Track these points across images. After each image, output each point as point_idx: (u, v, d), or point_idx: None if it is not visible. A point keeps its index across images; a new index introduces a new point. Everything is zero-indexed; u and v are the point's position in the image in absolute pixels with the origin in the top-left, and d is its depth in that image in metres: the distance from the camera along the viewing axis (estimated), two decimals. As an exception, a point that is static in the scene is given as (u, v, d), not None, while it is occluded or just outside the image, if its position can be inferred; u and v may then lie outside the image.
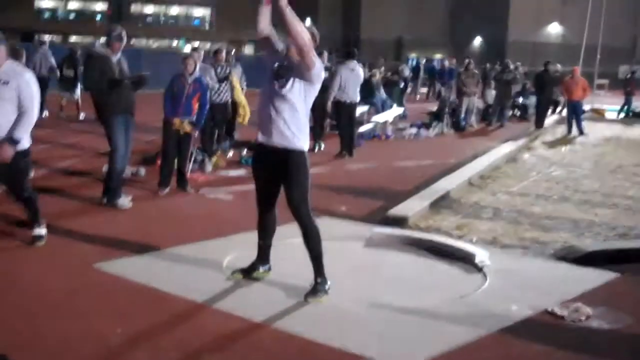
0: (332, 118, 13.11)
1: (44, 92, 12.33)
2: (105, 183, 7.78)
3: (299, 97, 4.85)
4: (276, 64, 4.93)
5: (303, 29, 4.74)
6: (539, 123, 18.65)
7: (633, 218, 8.12)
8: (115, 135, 7.62)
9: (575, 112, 17.75)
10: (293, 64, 4.85)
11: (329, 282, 4.97)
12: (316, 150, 12.14)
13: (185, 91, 8.41)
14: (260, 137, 4.98)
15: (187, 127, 8.43)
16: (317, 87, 4.93)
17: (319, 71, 4.88)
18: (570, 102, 17.79)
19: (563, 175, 11.15)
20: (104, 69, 7.51)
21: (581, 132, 17.38)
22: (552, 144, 15.59)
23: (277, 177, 4.99)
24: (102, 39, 7.98)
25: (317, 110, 11.71)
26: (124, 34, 7.68)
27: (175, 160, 8.60)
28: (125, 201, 7.67)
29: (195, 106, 8.54)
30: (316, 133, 12.29)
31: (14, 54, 10.02)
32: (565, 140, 16.61)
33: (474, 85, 18.67)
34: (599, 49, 26.16)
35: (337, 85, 11.91)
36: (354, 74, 12.17)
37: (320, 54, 12.36)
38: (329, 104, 11.98)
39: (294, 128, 4.85)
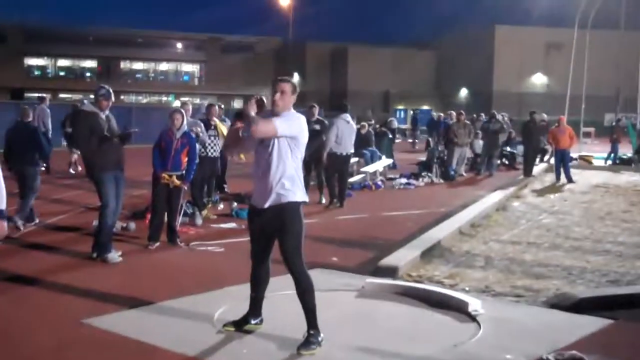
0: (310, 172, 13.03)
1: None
2: (95, 237, 7.76)
3: (286, 155, 4.90)
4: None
5: (266, 126, 4.82)
6: (527, 171, 18.78)
7: (624, 264, 8.12)
8: (104, 191, 7.64)
9: (563, 160, 17.92)
10: None
11: (322, 334, 4.92)
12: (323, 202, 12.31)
13: (174, 145, 8.45)
14: (255, 200, 5.04)
15: (176, 182, 8.45)
16: (304, 140, 4.99)
17: (298, 128, 4.95)
18: (558, 150, 17.97)
19: (553, 222, 11.19)
20: (93, 126, 7.60)
21: (570, 180, 17.51)
22: (542, 192, 15.66)
23: (273, 232, 5.01)
24: (92, 96, 8.03)
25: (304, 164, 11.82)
26: (110, 91, 7.81)
27: (165, 215, 8.59)
28: (114, 255, 7.64)
29: (184, 160, 8.57)
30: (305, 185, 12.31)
31: (23, 114, 10.03)
32: (555, 188, 16.70)
33: (466, 135, 18.88)
34: (584, 98, 26.53)
35: (334, 137, 11.90)
36: (349, 126, 12.24)
37: (311, 107, 12.56)
38: (325, 155, 11.98)
39: (287, 184, 4.89)
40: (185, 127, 8.68)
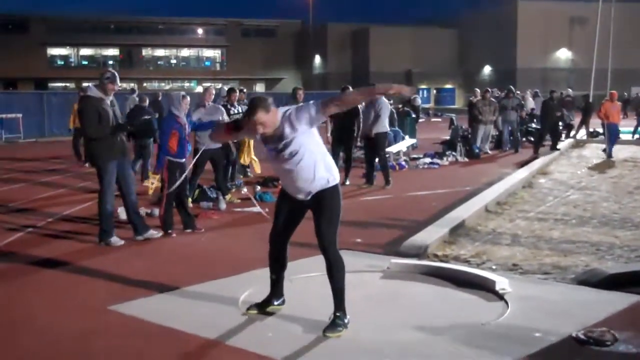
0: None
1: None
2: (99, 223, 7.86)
3: (306, 147, 4.78)
4: (268, 144, 4.86)
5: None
6: (536, 149, 18.34)
7: (654, 239, 7.98)
8: (107, 179, 7.68)
9: (612, 134, 17.67)
10: (276, 135, 4.78)
11: (348, 317, 4.87)
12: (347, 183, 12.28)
13: (185, 132, 8.37)
14: (293, 193, 4.95)
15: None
16: (318, 122, 4.84)
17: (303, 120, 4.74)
18: (609, 124, 17.71)
19: (580, 198, 11.03)
20: (100, 112, 7.54)
21: (609, 155, 17.26)
22: (569, 168, 15.46)
23: (302, 215, 5.01)
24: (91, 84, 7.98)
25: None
26: (116, 75, 7.75)
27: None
28: (117, 239, 7.72)
29: (187, 146, 8.47)
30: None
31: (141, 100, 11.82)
32: (608, 163, 16.50)
33: (491, 113, 18.71)
34: (609, 72, 26.09)
35: (372, 117, 12.07)
36: (386, 105, 12.47)
37: (344, 88, 12.64)
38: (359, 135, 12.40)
39: (322, 172, 4.82)
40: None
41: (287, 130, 4.72)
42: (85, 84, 27.04)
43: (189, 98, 8.62)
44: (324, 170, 4.83)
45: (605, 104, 18.10)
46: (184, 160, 8.42)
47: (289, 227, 5.12)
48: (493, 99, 19.53)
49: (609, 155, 17.40)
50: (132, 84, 61.99)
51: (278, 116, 4.75)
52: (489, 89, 19.62)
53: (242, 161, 11.82)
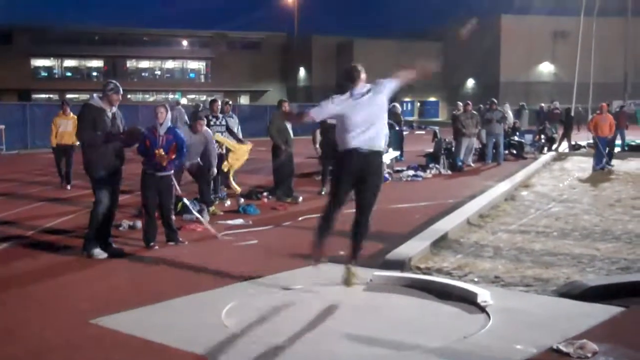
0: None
1: None
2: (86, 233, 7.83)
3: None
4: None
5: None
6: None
7: (635, 251, 8.05)
8: (101, 190, 7.64)
9: (608, 147, 17.89)
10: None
11: None
12: (323, 193, 12.22)
13: (159, 143, 8.19)
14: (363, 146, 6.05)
15: (163, 154, 8.11)
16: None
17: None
18: (601, 138, 17.81)
19: (562, 211, 11.11)
20: (97, 122, 7.55)
21: (597, 167, 17.43)
22: (550, 181, 15.57)
23: (363, 176, 6.18)
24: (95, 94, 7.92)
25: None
26: (119, 86, 7.76)
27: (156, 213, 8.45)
28: (100, 251, 7.67)
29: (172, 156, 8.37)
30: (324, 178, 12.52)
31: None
32: (610, 173, 16.72)
33: (474, 126, 18.87)
34: (591, 85, 26.38)
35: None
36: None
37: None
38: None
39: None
40: (169, 123, 8.42)
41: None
42: (68, 96, 27.03)
43: (163, 108, 8.47)
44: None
45: (595, 117, 18.22)
46: (171, 172, 8.43)
47: (349, 192, 6.46)
48: (474, 112, 19.68)
49: (602, 168, 17.52)
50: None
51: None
52: (470, 102, 19.78)
53: (224, 168, 11.69)
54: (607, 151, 17.94)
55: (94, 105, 7.69)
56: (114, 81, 7.87)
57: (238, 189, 11.75)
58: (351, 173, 6.12)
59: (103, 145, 7.56)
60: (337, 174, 6.40)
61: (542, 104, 20.85)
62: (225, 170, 11.72)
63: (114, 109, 7.78)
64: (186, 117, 16.10)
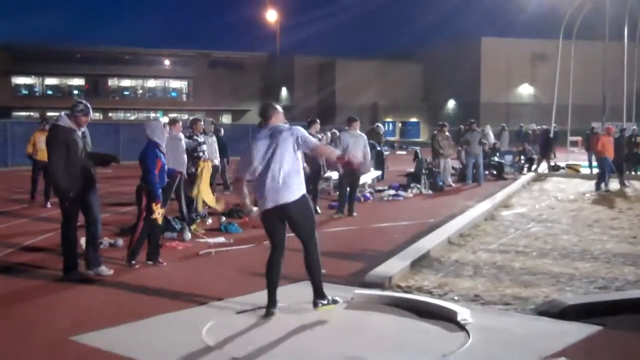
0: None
1: None
2: (86, 253, 7.74)
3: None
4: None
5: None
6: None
7: (612, 270, 8.14)
8: (66, 209, 7.57)
9: (607, 169, 17.93)
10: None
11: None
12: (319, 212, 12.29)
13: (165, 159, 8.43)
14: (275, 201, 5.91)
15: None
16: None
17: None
18: (605, 159, 17.86)
19: (542, 231, 11.21)
20: (68, 143, 7.40)
21: (598, 188, 17.61)
22: (530, 201, 15.71)
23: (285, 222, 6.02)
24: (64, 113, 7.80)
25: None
26: (89, 107, 7.62)
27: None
28: (105, 269, 7.65)
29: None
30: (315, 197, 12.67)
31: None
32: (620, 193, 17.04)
33: (450, 147, 19.10)
34: (570, 107, 26.70)
35: (342, 150, 12.19)
36: (354, 138, 12.83)
37: (312, 123, 13.03)
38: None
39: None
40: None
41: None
42: (49, 114, 26.81)
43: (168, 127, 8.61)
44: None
45: (602, 138, 18.24)
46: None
47: (284, 237, 6.20)
48: (447, 134, 19.87)
49: (603, 188, 17.62)
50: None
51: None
52: (445, 124, 20.18)
53: (192, 194, 11.22)
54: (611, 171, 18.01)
55: (63, 127, 7.49)
56: (84, 102, 7.71)
57: (219, 208, 11.68)
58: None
59: (77, 168, 7.41)
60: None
61: (522, 124, 21.11)
62: (193, 194, 11.25)
63: (83, 129, 7.70)
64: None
